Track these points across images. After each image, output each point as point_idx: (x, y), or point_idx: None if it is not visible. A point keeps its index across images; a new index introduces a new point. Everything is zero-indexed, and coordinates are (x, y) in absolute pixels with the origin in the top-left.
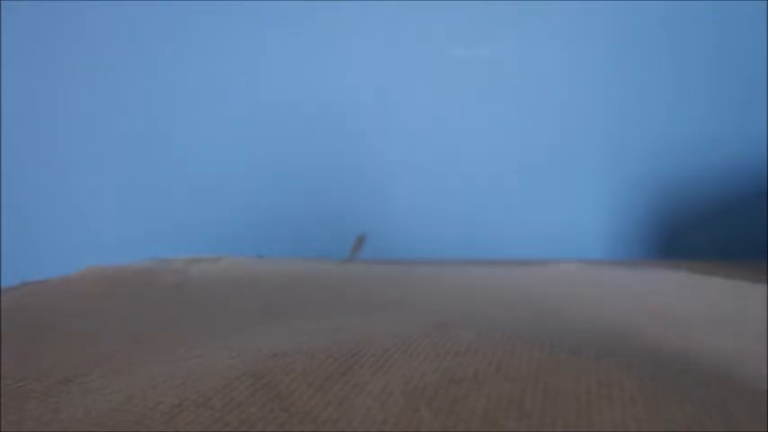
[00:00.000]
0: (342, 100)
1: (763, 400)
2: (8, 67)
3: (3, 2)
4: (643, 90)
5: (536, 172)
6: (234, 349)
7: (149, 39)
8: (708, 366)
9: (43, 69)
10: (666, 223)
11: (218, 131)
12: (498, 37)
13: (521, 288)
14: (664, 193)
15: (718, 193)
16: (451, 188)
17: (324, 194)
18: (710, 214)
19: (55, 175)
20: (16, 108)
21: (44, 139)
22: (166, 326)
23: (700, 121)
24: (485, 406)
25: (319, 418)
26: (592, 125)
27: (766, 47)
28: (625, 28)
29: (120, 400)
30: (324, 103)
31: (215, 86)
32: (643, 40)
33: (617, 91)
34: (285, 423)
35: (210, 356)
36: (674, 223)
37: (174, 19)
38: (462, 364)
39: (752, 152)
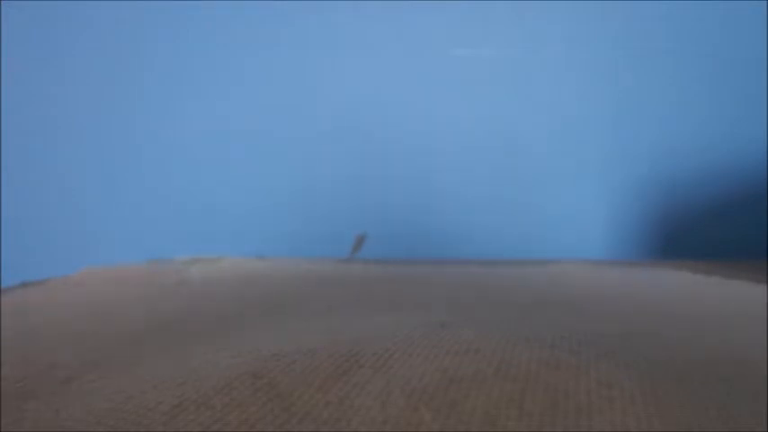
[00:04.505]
0: (342, 100)
1: (763, 400)
2: (8, 67)
3: (3, 2)
4: (643, 90)
5: (536, 172)
6: (234, 349)
7: (149, 38)
8: (708, 366)
9: (43, 69)
10: (666, 223)
11: (217, 130)
12: (500, 36)
13: (521, 288)
14: (664, 193)
15: (719, 193)
16: (451, 188)
17: (324, 194)
18: (710, 214)
19: (55, 175)
20: (16, 108)
21: (44, 138)
22: (166, 326)
23: (700, 121)
24: (485, 406)
25: (319, 418)
26: (592, 125)
27: (766, 47)
28: (625, 28)
29: (120, 400)
30: (324, 103)
31: (216, 85)
32: (643, 40)
33: (617, 91)
34: (285, 423)
35: (210, 356)
36: (674, 223)
37: (173, 19)
38: (462, 364)
39: (752, 152)
